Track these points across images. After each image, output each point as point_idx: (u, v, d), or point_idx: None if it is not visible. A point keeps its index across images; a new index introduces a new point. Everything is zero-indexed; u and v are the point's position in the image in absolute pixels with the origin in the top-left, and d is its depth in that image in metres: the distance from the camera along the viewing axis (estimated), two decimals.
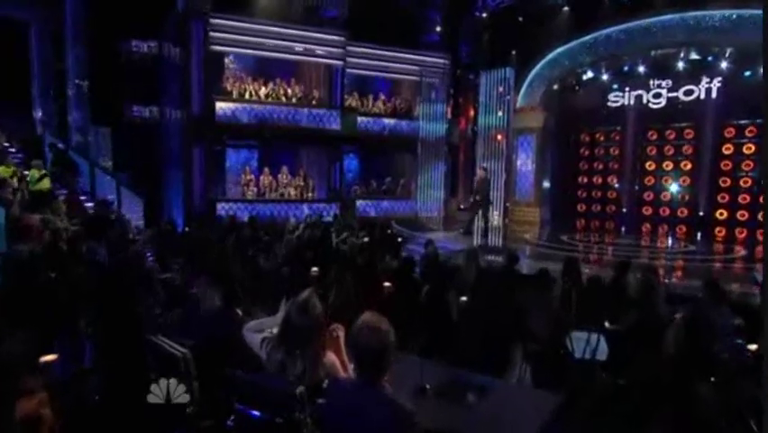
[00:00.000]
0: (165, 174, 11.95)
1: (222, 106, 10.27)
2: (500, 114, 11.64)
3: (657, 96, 11.73)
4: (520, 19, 12.91)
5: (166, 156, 11.84)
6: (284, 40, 10.59)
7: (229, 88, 10.72)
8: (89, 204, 9.36)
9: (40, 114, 11.42)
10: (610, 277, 4.29)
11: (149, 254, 5.66)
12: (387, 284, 4.41)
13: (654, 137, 12.17)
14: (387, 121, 12.15)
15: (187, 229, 8.35)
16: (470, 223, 9.71)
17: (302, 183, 11.52)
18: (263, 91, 10.95)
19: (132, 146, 11.87)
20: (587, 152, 13.38)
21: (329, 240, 8.46)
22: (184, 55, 10.01)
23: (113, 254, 5.17)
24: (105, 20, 11.21)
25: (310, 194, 11.55)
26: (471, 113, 14.39)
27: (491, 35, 13.84)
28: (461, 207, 14.01)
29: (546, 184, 13.33)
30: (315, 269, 5.44)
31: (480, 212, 9.20)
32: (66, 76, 11.43)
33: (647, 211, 12.37)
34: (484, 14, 13.72)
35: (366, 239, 9.25)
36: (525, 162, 13.49)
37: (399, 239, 10.11)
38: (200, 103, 10.05)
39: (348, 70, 11.41)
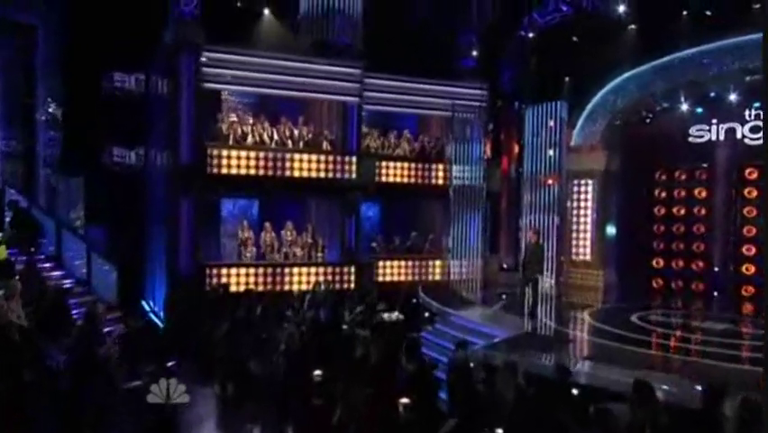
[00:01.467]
0: (148, 230, 12.04)
1: (216, 153, 10.34)
2: (551, 154, 11.51)
3: (755, 129, 11.11)
4: (575, 39, 12.73)
5: (151, 209, 11.94)
6: (289, 75, 10.70)
7: (225, 130, 10.79)
8: (55, 273, 9.35)
9: None
10: (699, 404, 3.83)
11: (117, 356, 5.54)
12: (403, 401, 4.36)
13: (754, 176, 11.41)
14: (412, 165, 12.12)
15: (167, 317, 8.35)
16: (518, 295, 9.31)
17: (310, 240, 11.46)
18: (265, 134, 11.03)
19: (110, 196, 12.14)
20: (663, 194, 12.80)
21: (339, 320, 8.26)
22: (172, 94, 10.13)
23: (71, 360, 5.00)
24: (84, 49, 11.59)
25: (320, 254, 11.47)
26: (515, 151, 14.17)
27: (540, 59, 13.70)
28: (504, 266, 13.69)
29: (611, 238, 12.84)
30: (317, 373, 5.35)
31: (529, 286, 8.70)
32: (34, 111, 11.67)
33: (748, 270, 11.38)
34: (531, 34, 13.60)
35: (385, 315, 9.03)
36: (584, 212, 13.15)
37: (426, 314, 9.81)
38: (190, 149, 10.12)
39: (366, 107, 11.54)
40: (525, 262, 9.17)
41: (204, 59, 10.14)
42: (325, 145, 11.40)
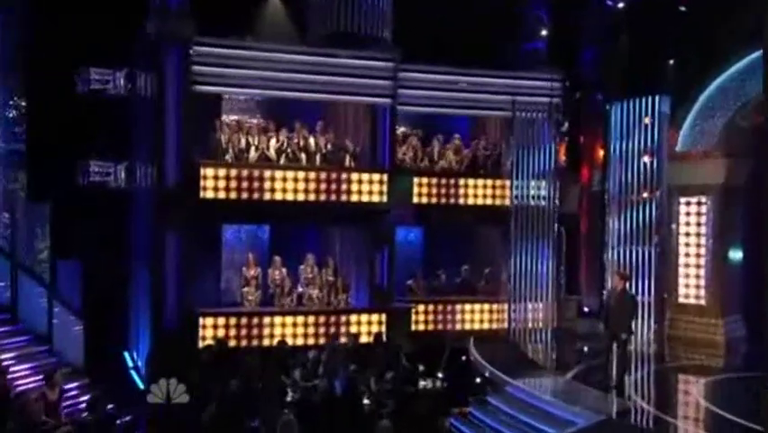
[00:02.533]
0: (133, 267, 12.09)
1: (210, 173, 10.27)
2: (647, 162, 11.30)
3: None
4: (682, 9, 12.19)
5: (136, 240, 11.97)
6: (302, 72, 10.69)
7: (225, 142, 10.82)
8: (4, 328, 9.43)
9: None
10: None
11: None
12: None
13: None
14: (461, 181, 11.97)
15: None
16: (602, 365, 8.83)
17: (330, 278, 11.42)
18: (274, 144, 11.03)
19: (85, 223, 12.13)
20: None
21: (360, 392, 8.18)
22: (156, 98, 10.17)
23: None
24: (53, 42, 11.79)
25: (342, 296, 11.37)
26: (599, 159, 13.80)
27: (632, 36, 13.33)
28: (585, 309, 13.33)
29: (734, 274, 12.04)
30: None
31: (615, 347, 8.46)
32: None
33: None
34: (620, 4, 13.26)
35: (422, 382, 9.08)
36: (695, 241, 12.52)
37: (478, 379, 9.67)
38: (177, 168, 10.14)
39: (401, 108, 11.45)
40: (608, 315, 8.78)
41: (194, 55, 10.14)
42: (349, 160, 11.39)
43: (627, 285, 9.36)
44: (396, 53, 11.13)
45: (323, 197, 10.89)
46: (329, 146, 11.36)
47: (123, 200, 12.39)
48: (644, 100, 11.12)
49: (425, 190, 11.79)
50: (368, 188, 11.12)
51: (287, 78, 10.68)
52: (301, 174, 10.81)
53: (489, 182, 12.12)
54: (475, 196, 12.08)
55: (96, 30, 11.49)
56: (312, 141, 11.32)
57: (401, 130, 12.16)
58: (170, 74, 10.09)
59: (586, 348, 10.92)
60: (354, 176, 11.10)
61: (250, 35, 11.11)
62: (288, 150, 11.06)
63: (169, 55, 10.06)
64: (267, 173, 10.62)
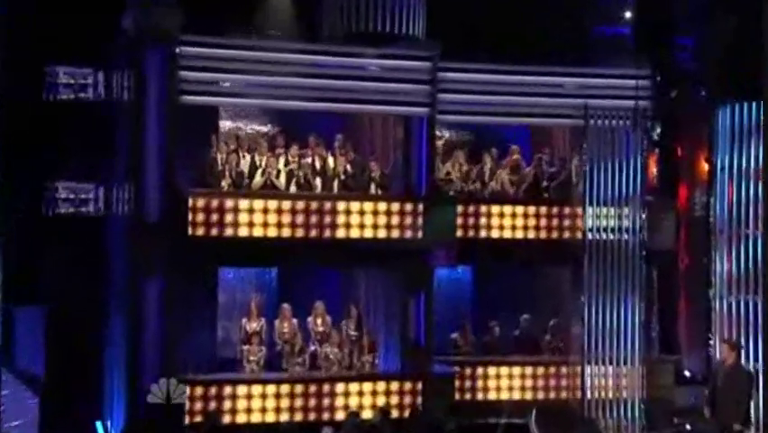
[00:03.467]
0: (109, 316, 12.07)
1: (201, 204, 10.32)
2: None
3: None
4: None
5: (112, 284, 11.95)
6: (317, 76, 10.72)
7: (221, 162, 11.00)
8: None
9: None
10: None
11: None
12: None
13: None
14: (519, 209, 11.94)
15: None
16: None
17: (353, 333, 11.51)
18: (282, 166, 11.20)
19: (49, 261, 12.28)
20: None
21: None
22: (134, 111, 10.30)
23: None
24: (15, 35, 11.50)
25: (367, 357, 11.45)
26: (701, 177, 13.55)
27: (745, 16, 12.50)
28: (687, 373, 13.16)
29: None
30: None
31: None
32: None
33: None
34: None
35: None
36: None
37: None
38: (160, 198, 10.20)
39: (442, 117, 11.51)
40: (715, 397, 8.63)
41: (181, 56, 10.23)
42: (375, 186, 11.43)
43: (740, 357, 9.05)
44: (434, 50, 11.05)
45: (342, 232, 10.89)
46: (350, 168, 11.42)
47: (98, 233, 12.40)
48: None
49: (472, 221, 11.74)
50: (399, 220, 11.09)
51: (297, 85, 10.76)
52: (315, 204, 10.83)
53: (556, 209, 12.04)
54: (537, 227, 11.96)
55: (66, 26, 11.69)
56: (330, 161, 11.41)
57: (445, 137, 12.42)
58: (152, 80, 10.17)
59: (688, 426, 10.73)
60: (382, 206, 11.08)
61: (251, 33, 11.24)
62: (300, 173, 11.13)
63: (150, 57, 10.14)
64: (273, 204, 10.63)
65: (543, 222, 11.98)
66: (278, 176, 11.04)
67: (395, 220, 11.09)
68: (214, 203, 10.45)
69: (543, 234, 11.98)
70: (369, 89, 11.05)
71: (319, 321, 11.35)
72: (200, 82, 10.44)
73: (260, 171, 10.98)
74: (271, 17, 11.86)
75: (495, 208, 11.82)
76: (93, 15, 11.31)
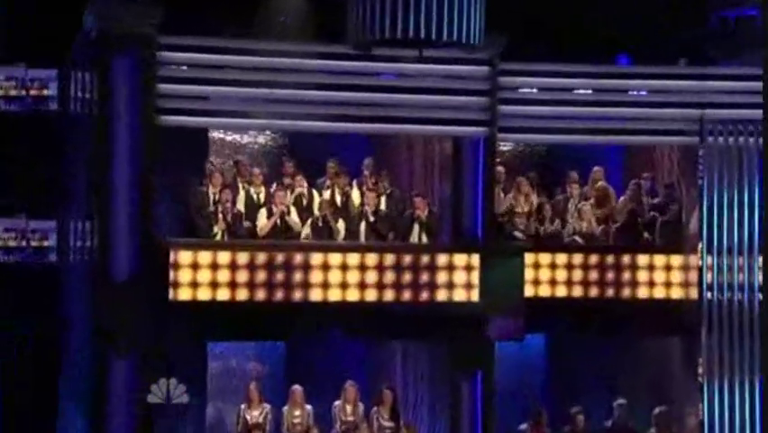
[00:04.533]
0: (63, 402, 12.17)
1: (187, 260, 10.21)
2: None
3: None
4: None
5: (68, 360, 12.10)
6: (339, 89, 10.76)
7: (213, 199, 11.05)
8: None
9: None
10: None
11: None
12: None
13: None
14: (609, 258, 11.80)
15: None
16: None
17: (387, 424, 11.40)
18: (290, 200, 11.27)
19: None
20: None
21: None
22: (99, 136, 10.36)
23: None
24: None
25: None
26: None
27: None
28: None
29: None
30: None
31: None
32: None
33: None
34: None
35: None
36: None
37: None
38: (133, 251, 10.15)
39: (504, 136, 11.52)
40: None
41: (161, 64, 10.28)
42: (418, 229, 11.33)
43: None
44: (493, 49, 10.82)
45: (373, 294, 10.84)
46: (383, 205, 11.49)
47: (52, 288, 12.61)
48: None
49: (546, 275, 11.61)
50: (447, 277, 10.98)
51: (314, 100, 10.77)
52: (337, 257, 10.71)
53: (661, 258, 11.82)
54: (634, 283, 11.79)
55: (16, 22, 12.16)
56: (355, 195, 11.55)
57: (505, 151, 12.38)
58: (121, 94, 10.21)
59: None
60: (424, 258, 10.97)
61: (251, 34, 11.15)
62: (317, 213, 11.18)
63: (118, 64, 10.19)
64: (282, 258, 10.59)
65: (642, 276, 11.78)
66: (287, 214, 11.08)
67: (441, 278, 10.96)
68: (204, 257, 10.33)
69: (642, 293, 11.80)
70: (407, 104, 11.06)
71: (349, 408, 11.31)
72: (185, 97, 10.45)
73: (263, 211, 11.01)
74: (277, 17, 11.87)
75: (577, 257, 11.67)
76: (49, 10, 11.70)
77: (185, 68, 10.48)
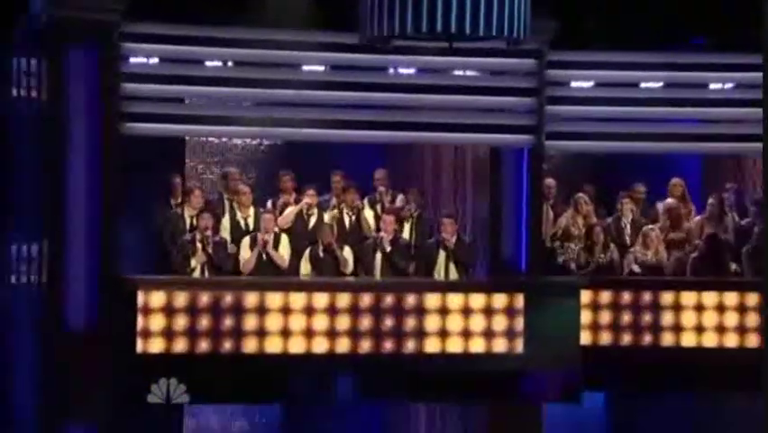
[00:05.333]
0: None
1: (158, 303, 10.18)
2: None
3: None
4: None
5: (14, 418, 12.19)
6: (355, 87, 10.87)
7: (189, 222, 11.12)
8: None
9: None
10: None
11: None
12: None
13: None
14: (687, 297, 11.74)
15: None
16: None
17: None
18: (285, 223, 11.37)
19: None
20: None
21: None
22: (46, 146, 10.45)
23: None
24: None
25: None
26: None
27: None
28: None
29: None
30: None
31: None
32: None
33: None
34: None
35: None
36: None
37: None
38: (91, 291, 10.10)
39: (552, 144, 11.48)
40: None
41: (126, 58, 10.33)
42: (444, 258, 11.28)
43: None
44: (541, 37, 10.72)
45: (390, 344, 10.82)
46: (405, 232, 11.60)
47: None
48: None
49: (606, 318, 11.58)
50: (483, 323, 10.93)
51: (318, 102, 10.82)
52: (345, 298, 10.66)
53: (753, 297, 11.54)
54: (721, 328, 11.72)
55: None
56: (367, 215, 11.57)
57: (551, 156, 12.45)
58: (76, 95, 10.19)
59: None
60: (453, 299, 10.88)
61: (237, 23, 10.98)
62: (319, 240, 11.13)
63: (73, 58, 10.16)
64: (275, 299, 10.47)
65: (730, 318, 11.71)
66: (275, 245, 11.05)
67: (475, 323, 10.88)
68: (180, 298, 10.26)
69: (731, 341, 11.73)
70: (433, 106, 11.11)
71: None
72: (156, 100, 10.52)
73: (246, 240, 10.97)
74: (274, 5, 11.66)
75: (647, 295, 11.56)
76: None
77: (156, 62, 10.52)
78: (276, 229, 11.08)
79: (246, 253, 10.92)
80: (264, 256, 10.95)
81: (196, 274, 10.73)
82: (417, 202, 11.77)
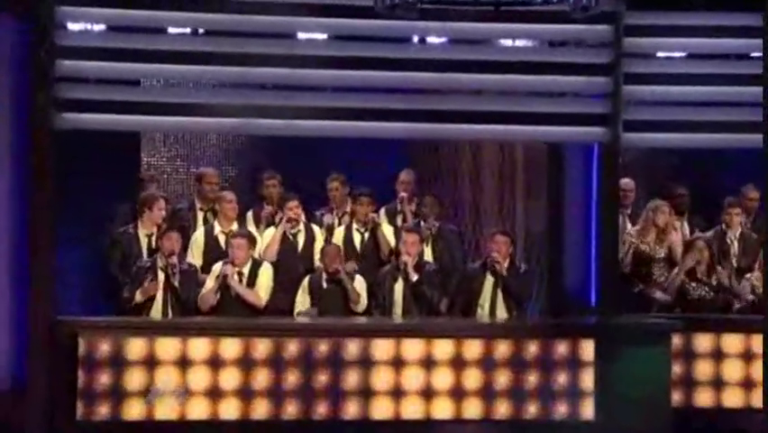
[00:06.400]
0: None
1: (108, 350, 10.07)
2: None
3: None
4: None
5: None
6: (359, 65, 10.81)
7: (145, 246, 11.24)
8: None
9: None
10: None
11: None
12: None
13: None
14: None
15: None
16: None
17: None
18: (271, 255, 11.50)
19: None
20: None
21: None
22: None
23: None
24: None
25: None
26: None
27: None
28: None
29: None
30: None
31: None
32: None
33: None
34: None
35: None
36: None
37: None
38: (15, 335, 10.15)
39: (632, 136, 11.44)
40: None
41: (64, 29, 10.26)
42: (491, 287, 11.35)
43: None
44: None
45: (417, 407, 10.43)
46: (427, 254, 11.61)
47: None
48: None
49: (706, 371, 11.29)
50: (540, 377, 10.55)
51: (318, 84, 10.81)
52: (353, 348, 10.38)
53: None
54: None
55: None
56: (386, 232, 11.62)
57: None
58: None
59: None
60: (500, 347, 10.42)
61: None
62: (323, 279, 11.11)
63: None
64: (258, 347, 10.17)
65: None
66: (251, 278, 10.97)
67: (530, 378, 10.48)
68: (135, 348, 9.96)
69: None
70: (475, 87, 11.15)
71: None
72: (102, 82, 10.44)
73: (217, 268, 10.79)
74: None
75: (755, 340, 10.77)
76: None
77: (102, 30, 10.46)
78: (257, 255, 11.13)
79: (210, 282, 10.81)
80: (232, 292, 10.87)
81: (157, 314, 10.58)
82: (435, 212, 11.77)
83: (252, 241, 11.11)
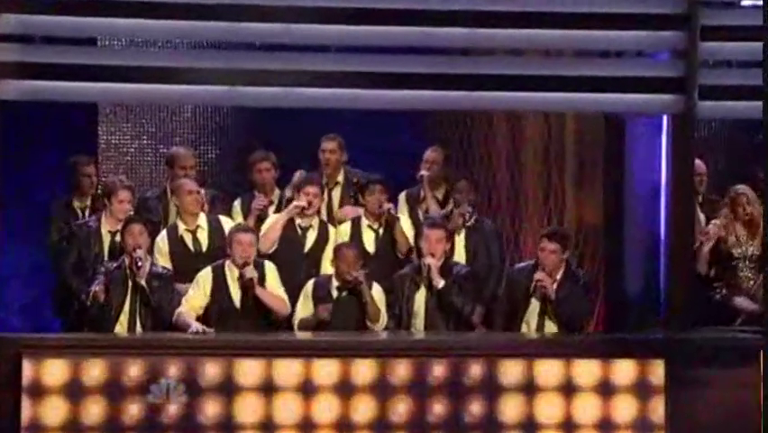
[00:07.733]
0: None
1: (60, 375, 10.33)
2: None
3: None
4: None
5: None
6: (366, 18, 10.93)
7: (106, 247, 11.63)
8: None
9: None
10: None
11: None
12: None
13: None
14: None
15: None
16: None
17: None
18: (269, 245, 11.76)
19: None
20: None
21: None
22: None
23: None
24: None
25: None
26: None
27: None
28: None
29: None
30: None
31: None
32: None
33: None
34: None
35: None
36: None
37: None
38: None
39: (709, 105, 11.65)
40: None
41: None
42: (540, 299, 11.57)
43: None
44: None
45: None
46: (459, 254, 12.02)
47: None
48: None
49: None
50: (598, 407, 10.84)
51: (321, 40, 11.01)
52: (366, 371, 10.66)
53: None
54: None
55: None
56: (405, 227, 11.90)
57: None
58: None
59: None
60: (547, 370, 10.79)
61: None
62: (333, 285, 11.29)
63: None
64: (253, 370, 10.49)
65: None
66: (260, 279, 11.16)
67: (588, 406, 10.74)
68: (93, 371, 10.20)
69: None
70: (517, 46, 11.45)
71: None
72: (51, 41, 10.72)
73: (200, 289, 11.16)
74: None
75: None
76: None
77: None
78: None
79: (194, 292, 11.04)
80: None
81: (121, 328, 10.84)
82: (470, 200, 12.01)
83: (256, 237, 11.31)
